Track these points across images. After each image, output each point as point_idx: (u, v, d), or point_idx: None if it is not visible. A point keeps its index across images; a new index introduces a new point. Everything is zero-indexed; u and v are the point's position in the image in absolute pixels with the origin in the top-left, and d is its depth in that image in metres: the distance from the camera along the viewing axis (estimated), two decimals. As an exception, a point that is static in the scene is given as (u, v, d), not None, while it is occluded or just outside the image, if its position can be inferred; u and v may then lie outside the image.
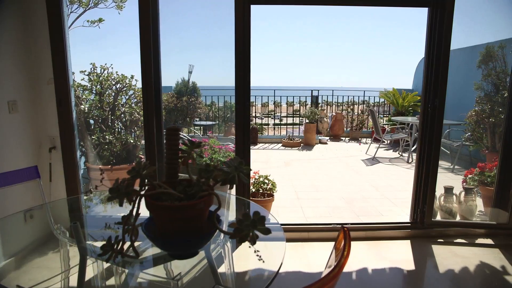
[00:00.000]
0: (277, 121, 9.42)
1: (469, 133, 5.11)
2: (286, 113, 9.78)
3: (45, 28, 2.73)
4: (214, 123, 7.87)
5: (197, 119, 7.58)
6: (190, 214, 1.07)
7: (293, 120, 9.33)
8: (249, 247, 0.91)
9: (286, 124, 9.25)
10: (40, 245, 2.49)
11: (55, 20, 2.71)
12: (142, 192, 1.08)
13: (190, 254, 1.17)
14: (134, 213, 1.08)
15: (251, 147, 7.46)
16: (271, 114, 9.49)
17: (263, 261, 0.96)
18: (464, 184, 3.65)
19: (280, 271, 2.53)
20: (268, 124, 9.11)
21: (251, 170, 2.95)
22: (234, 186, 3.21)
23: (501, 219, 3.12)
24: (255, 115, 9.36)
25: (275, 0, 2.86)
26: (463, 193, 3.34)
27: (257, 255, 0.96)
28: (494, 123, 4.62)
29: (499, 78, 4.64)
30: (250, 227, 0.97)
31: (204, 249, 1.48)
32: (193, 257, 1.18)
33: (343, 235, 1.04)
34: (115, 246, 1.09)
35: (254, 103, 9.46)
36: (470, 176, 3.67)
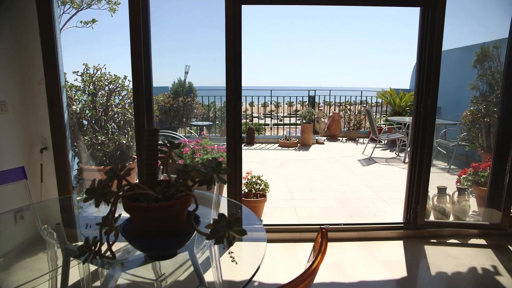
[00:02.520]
0: (276, 121, 9.41)
1: (465, 133, 5.10)
2: (283, 113, 9.78)
3: (36, 28, 2.72)
4: (210, 123, 7.88)
5: (195, 119, 7.58)
6: (167, 214, 1.07)
7: (289, 120, 9.32)
8: (223, 248, 0.90)
9: (284, 124, 9.25)
10: (31, 246, 2.48)
11: (46, 20, 2.70)
12: (119, 193, 1.08)
13: (168, 255, 1.17)
14: (111, 214, 1.08)
15: (248, 147, 7.48)
16: (269, 115, 9.48)
17: (236, 263, 0.96)
18: (458, 184, 3.65)
19: (270, 272, 2.53)
20: (268, 124, 9.10)
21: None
22: (226, 186, 3.19)
23: (494, 219, 3.11)
24: (252, 115, 9.35)
25: (267, 0, 2.85)
26: (456, 193, 3.34)
27: (231, 257, 0.95)
28: (489, 123, 4.61)
29: (494, 78, 4.64)
30: (226, 228, 0.97)
31: (188, 250, 1.47)
32: (171, 258, 1.17)
33: (321, 235, 1.04)
34: (93, 247, 1.09)
35: (254, 103, 9.47)
36: (464, 176, 3.66)
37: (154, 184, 1.17)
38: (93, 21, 3.97)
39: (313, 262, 0.93)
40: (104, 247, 1.09)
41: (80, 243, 1.67)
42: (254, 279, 2.56)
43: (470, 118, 4.85)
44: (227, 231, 0.96)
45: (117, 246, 1.55)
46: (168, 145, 1.18)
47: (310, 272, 0.92)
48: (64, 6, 3.64)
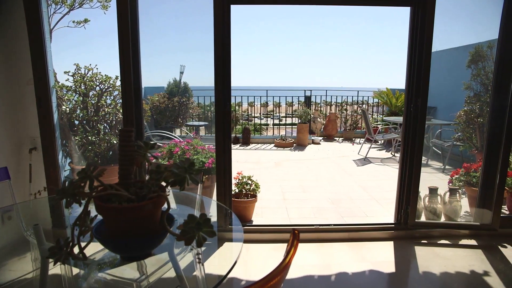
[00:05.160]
0: (273, 122, 9.41)
1: (459, 133, 5.09)
2: (279, 114, 9.77)
3: (25, 27, 2.71)
4: (206, 123, 7.86)
5: (191, 120, 7.57)
6: (139, 215, 1.06)
7: (286, 120, 9.32)
8: (191, 249, 0.89)
9: (281, 125, 9.24)
10: (17, 247, 2.46)
11: (34, 18, 2.68)
12: (91, 194, 1.07)
13: (142, 255, 1.16)
14: (84, 214, 1.07)
15: (243, 147, 7.48)
16: (265, 115, 9.48)
17: (202, 264, 0.95)
18: (450, 184, 3.64)
19: (259, 271, 2.52)
20: (267, 125, 9.09)
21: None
22: (215, 186, 3.15)
23: (485, 220, 3.10)
24: (248, 115, 9.34)
25: (256, 0, 2.84)
26: (447, 194, 3.33)
27: (198, 258, 0.94)
28: (483, 123, 4.61)
29: (488, 77, 4.63)
30: (195, 230, 0.96)
31: (168, 250, 1.46)
32: (146, 258, 1.16)
33: (292, 236, 1.03)
34: (65, 248, 1.08)
35: (253, 103, 9.48)
36: (456, 176, 3.66)
37: (128, 185, 1.16)
38: (86, 21, 3.95)
39: (280, 263, 0.93)
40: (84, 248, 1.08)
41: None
42: (242, 278, 2.55)
43: (464, 118, 4.85)
44: (197, 232, 0.96)
45: (100, 247, 1.54)
46: (142, 145, 1.17)
47: (281, 269, 0.92)
48: (56, 5, 3.62)
